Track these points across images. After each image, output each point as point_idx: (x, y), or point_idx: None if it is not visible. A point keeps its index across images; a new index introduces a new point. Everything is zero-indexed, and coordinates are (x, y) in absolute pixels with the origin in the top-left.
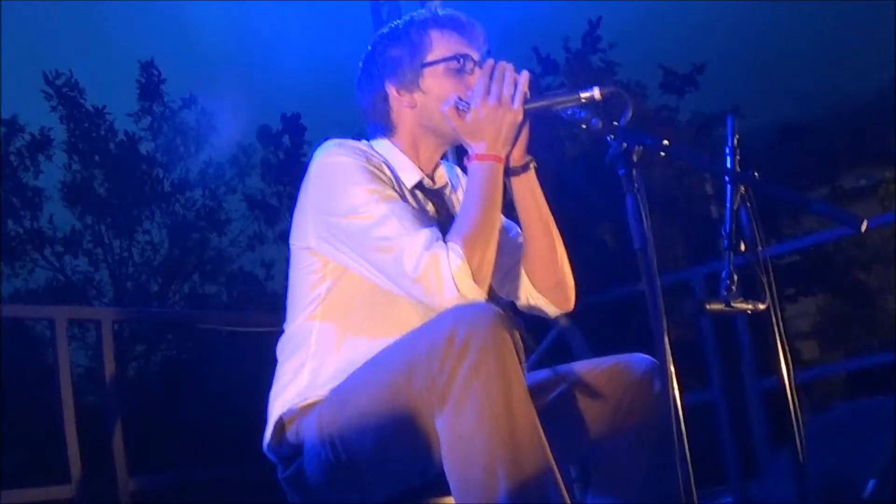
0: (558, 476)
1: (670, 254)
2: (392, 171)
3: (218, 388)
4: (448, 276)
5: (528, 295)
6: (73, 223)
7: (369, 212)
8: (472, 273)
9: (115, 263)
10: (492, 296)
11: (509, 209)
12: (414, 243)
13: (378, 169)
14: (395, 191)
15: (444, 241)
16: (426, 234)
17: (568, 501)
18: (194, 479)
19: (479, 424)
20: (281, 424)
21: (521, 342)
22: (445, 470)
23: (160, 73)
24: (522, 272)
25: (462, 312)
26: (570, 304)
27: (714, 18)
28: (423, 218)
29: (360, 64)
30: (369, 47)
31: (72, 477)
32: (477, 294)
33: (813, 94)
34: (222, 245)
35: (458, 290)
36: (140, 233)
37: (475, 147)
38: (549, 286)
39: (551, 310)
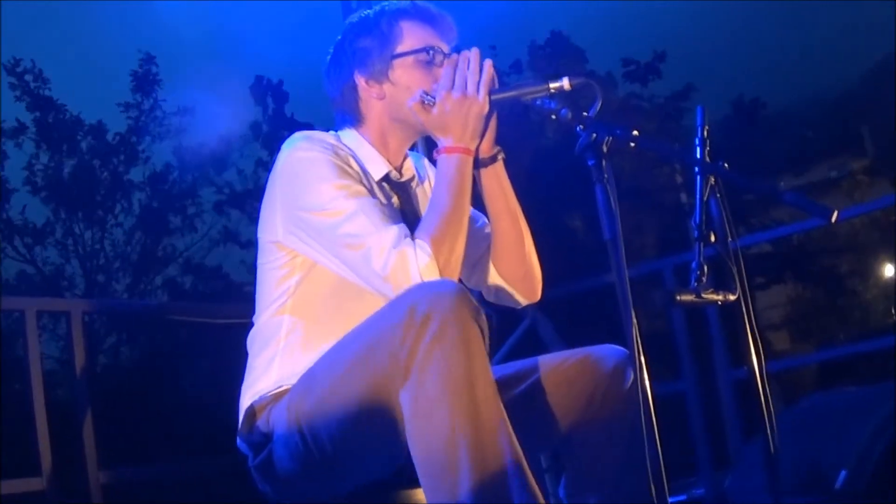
0: (517, 445)
1: (640, 243)
2: (359, 163)
3: (190, 379)
4: (416, 274)
5: (496, 285)
6: (45, 214)
7: (338, 208)
8: (439, 270)
9: (86, 255)
10: None
11: (477, 200)
12: (382, 241)
13: (345, 163)
14: (364, 185)
15: (413, 239)
16: (394, 231)
17: (528, 471)
18: (165, 471)
19: (441, 393)
20: (252, 412)
21: (483, 318)
22: (408, 442)
23: (158, 71)
24: (490, 262)
25: (422, 288)
26: (538, 295)
27: (680, 9)
28: (391, 213)
29: (329, 53)
30: (339, 37)
31: (42, 469)
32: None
33: (784, 85)
34: (195, 238)
35: (423, 277)
36: (112, 225)
37: (443, 140)
38: (516, 277)
39: (518, 301)
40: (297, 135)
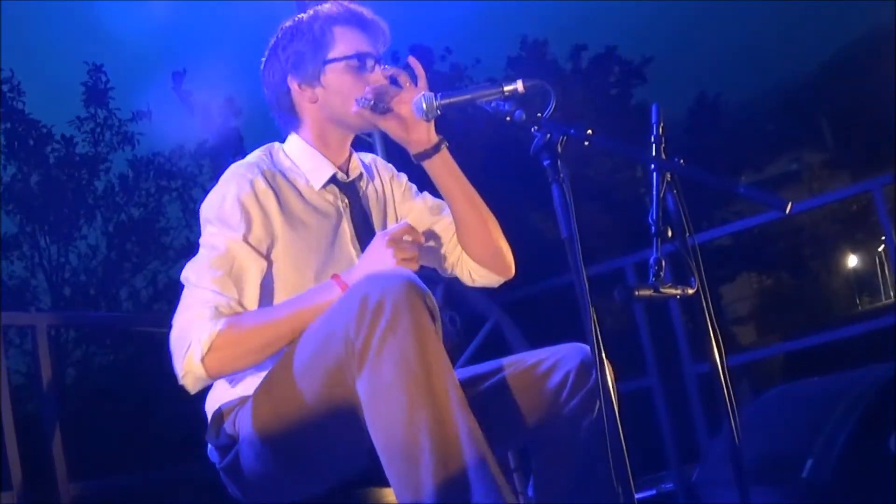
0: (475, 423)
1: (604, 242)
2: (297, 177)
3: (158, 389)
4: (182, 352)
5: (470, 269)
6: (9, 228)
7: (208, 241)
8: (205, 368)
9: (51, 269)
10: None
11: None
12: (196, 301)
13: (263, 195)
14: (260, 231)
15: (221, 316)
16: (211, 299)
17: (486, 446)
18: (136, 481)
19: (396, 379)
20: (219, 415)
21: (434, 303)
22: (368, 428)
23: (108, 79)
24: (459, 248)
25: (373, 279)
26: (512, 270)
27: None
28: (240, 274)
29: (265, 56)
30: (273, 40)
31: (13, 483)
32: (198, 379)
33: (741, 79)
34: (160, 250)
35: (183, 366)
36: (78, 238)
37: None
38: (486, 257)
39: (495, 279)
40: (238, 165)
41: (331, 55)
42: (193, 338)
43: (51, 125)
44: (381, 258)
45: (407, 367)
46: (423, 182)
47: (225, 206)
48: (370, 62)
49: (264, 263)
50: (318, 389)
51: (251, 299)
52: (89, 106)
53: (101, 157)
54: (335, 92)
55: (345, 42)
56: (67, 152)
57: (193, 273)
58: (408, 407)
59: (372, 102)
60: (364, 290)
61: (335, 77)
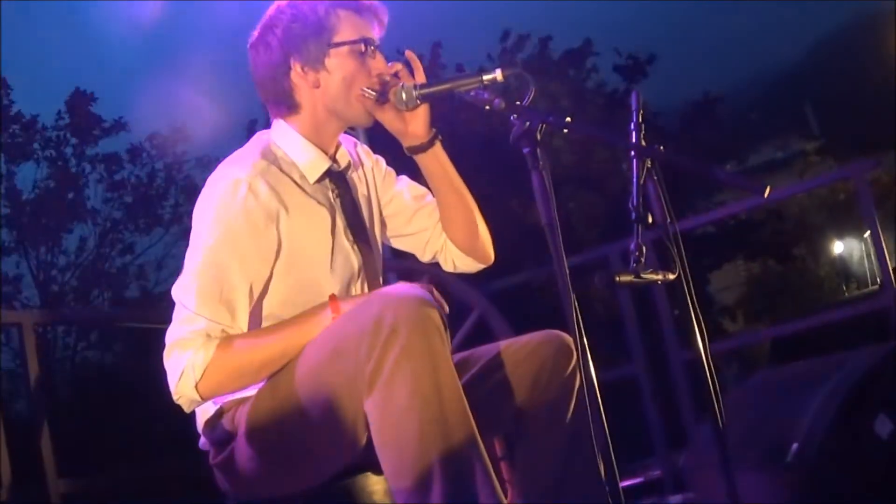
0: (485, 454)
1: (602, 232)
2: (295, 167)
3: (146, 385)
4: (178, 369)
5: (454, 257)
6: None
7: (199, 257)
8: (196, 384)
9: (39, 267)
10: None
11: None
12: (190, 321)
13: (263, 197)
14: (263, 235)
15: (212, 342)
16: (202, 325)
17: (493, 475)
18: (125, 478)
19: (409, 405)
20: (219, 411)
21: (444, 319)
22: (377, 451)
23: (93, 95)
24: (442, 236)
25: (389, 297)
26: (491, 257)
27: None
28: (232, 296)
29: (256, 35)
30: (267, 19)
31: (2, 481)
32: (192, 401)
33: (723, 66)
34: (149, 249)
35: (177, 390)
36: (66, 236)
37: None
38: (470, 246)
39: (476, 266)
40: (229, 165)
41: (336, 39)
42: (187, 365)
43: (40, 123)
44: None
45: (420, 393)
46: (399, 164)
47: (220, 214)
48: (372, 48)
49: (263, 273)
50: (323, 398)
51: (243, 320)
52: (71, 114)
53: (89, 154)
54: (338, 78)
55: (349, 26)
56: (57, 150)
57: (184, 294)
58: (420, 433)
59: (377, 93)
60: (378, 310)
61: (339, 62)
